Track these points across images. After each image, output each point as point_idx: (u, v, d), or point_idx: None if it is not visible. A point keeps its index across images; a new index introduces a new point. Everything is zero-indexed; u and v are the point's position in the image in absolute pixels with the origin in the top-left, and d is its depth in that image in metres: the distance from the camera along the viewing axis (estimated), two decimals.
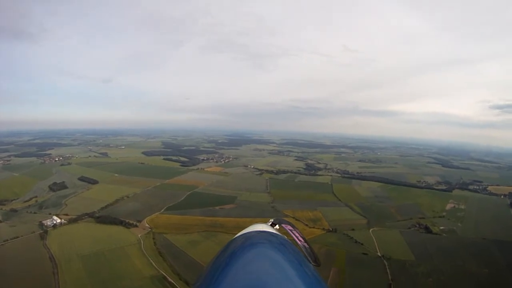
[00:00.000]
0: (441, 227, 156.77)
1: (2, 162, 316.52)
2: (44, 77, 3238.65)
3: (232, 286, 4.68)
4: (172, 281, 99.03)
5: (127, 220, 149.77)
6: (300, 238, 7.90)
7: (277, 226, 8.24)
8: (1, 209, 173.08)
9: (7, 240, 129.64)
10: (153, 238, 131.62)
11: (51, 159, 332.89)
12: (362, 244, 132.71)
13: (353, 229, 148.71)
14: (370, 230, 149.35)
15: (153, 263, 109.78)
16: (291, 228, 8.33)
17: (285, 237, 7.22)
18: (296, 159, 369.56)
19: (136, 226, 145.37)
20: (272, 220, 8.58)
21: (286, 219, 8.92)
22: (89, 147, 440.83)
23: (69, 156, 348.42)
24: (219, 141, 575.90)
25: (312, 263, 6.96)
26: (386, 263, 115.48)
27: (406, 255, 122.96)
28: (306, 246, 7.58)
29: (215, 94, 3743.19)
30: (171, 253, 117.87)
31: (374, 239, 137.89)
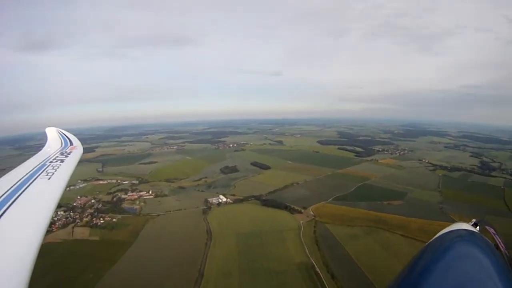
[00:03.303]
0: None
1: (176, 147, 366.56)
2: (212, 75, 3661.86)
3: (436, 280, 5.22)
4: (319, 271, 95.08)
5: (292, 206, 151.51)
6: (502, 244, 7.62)
7: (478, 228, 8.09)
8: (170, 185, 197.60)
9: (169, 211, 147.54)
10: (314, 226, 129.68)
11: (225, 145, 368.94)
12: None
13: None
14: None
15: (307, 251, 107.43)
16: (494, 232, 8.13)
17: (489, 240, 7.26)
18: (471, 155, 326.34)
19: (300, 212, 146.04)
20: (474, 220, 8.49)
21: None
22: (265, 135, 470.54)
23: (243, 143, 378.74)
24: (395, 131, 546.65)
25: None
26: None
27: None
28: (507, 253, 7.27)
29: (385, 82, 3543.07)
30: (328, 244, 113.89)
31: None
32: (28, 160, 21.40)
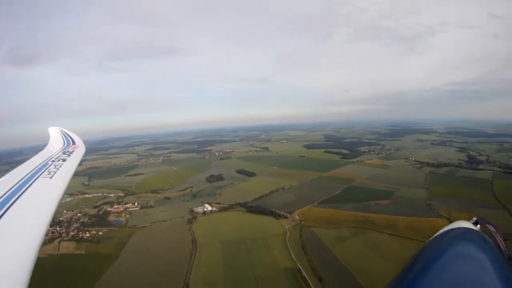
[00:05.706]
0: None
1: (162, 158, 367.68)
2: (199, 84, 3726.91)
3: (435, 280, 5.29)
4: (305, 276, 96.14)
5: (278, 211, 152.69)
6: (503, 242, 8.04)
7: (478, 226, 8.27)
8: (155, 196, 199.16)
9: (155, 222, 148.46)
10: (300, 231, 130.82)
11: (211, 154, 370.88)
12: None
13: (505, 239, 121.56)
14: None
15: (293, 256, 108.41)
16: (494, 230, 8.49)
17: (488, 238, 7.44)
18: (458, 150, 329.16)
19: (286, 217, 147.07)
20: (475, 218, 8.83)
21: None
22: (251, 142, 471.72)
23: (229, 151, 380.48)
24: (382, 132, 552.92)
25: None
26: None
27: None
28: (507, 251, 7.69)
29: (373, 84, 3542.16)
30: (314, 247, 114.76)
31: None
32: (30, 159, 21.84)
